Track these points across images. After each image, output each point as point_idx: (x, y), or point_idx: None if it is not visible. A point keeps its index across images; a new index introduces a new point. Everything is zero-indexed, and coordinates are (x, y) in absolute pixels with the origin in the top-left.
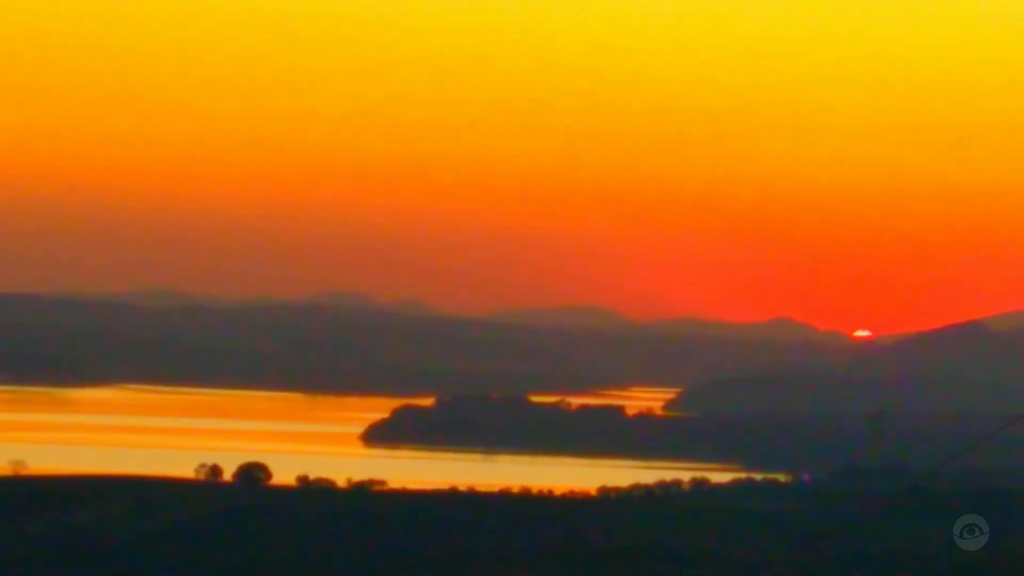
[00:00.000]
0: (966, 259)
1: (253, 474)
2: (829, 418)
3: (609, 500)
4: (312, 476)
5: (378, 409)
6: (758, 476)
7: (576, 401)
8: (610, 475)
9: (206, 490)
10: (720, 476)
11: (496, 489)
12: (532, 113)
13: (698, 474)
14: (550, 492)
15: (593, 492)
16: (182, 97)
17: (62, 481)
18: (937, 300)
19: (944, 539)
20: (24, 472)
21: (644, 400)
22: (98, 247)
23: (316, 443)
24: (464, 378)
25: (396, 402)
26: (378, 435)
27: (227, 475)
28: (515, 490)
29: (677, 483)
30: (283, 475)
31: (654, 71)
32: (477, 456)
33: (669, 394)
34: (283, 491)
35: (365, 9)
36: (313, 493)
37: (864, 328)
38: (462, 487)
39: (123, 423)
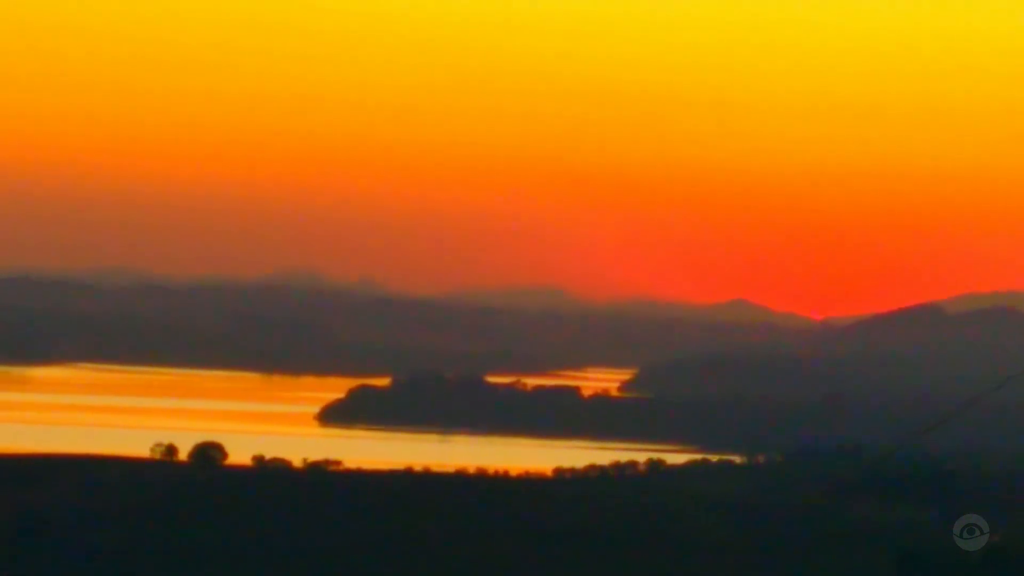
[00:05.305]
0: (922, 241)
1: (208, 454)
2: (784, 400)
3: (565, 481)
4: (268, 456)
5: (334, 389)
6: (713, 458)
7: (532, 382)
8: (566, 456)
9: (161, 469)
10: (675, 457)
11: (452, 470)
12: (485, 93)
13: (654, 455)
14: (506, 473)
15: (549, 473)
16: (137, 77)
17: (16, 460)
18: (892, 282)
19: (898, 520)
20: None
21: (600, 381)
22: (53, 225)
23: (272, 423)
24: (419, 358)
25: (352, 382)
26: (334, 415)
27: (182, 455)
28: (471, 471)
29: (632, 464)
30: (239, 455)
31: (608, 52)
32: (433, 436)
33: (625, 375)
34: (239, 471)
35: None
36: (269, 473)
37: (820, 310)
38: (418, 467)
39: (78, 402)
